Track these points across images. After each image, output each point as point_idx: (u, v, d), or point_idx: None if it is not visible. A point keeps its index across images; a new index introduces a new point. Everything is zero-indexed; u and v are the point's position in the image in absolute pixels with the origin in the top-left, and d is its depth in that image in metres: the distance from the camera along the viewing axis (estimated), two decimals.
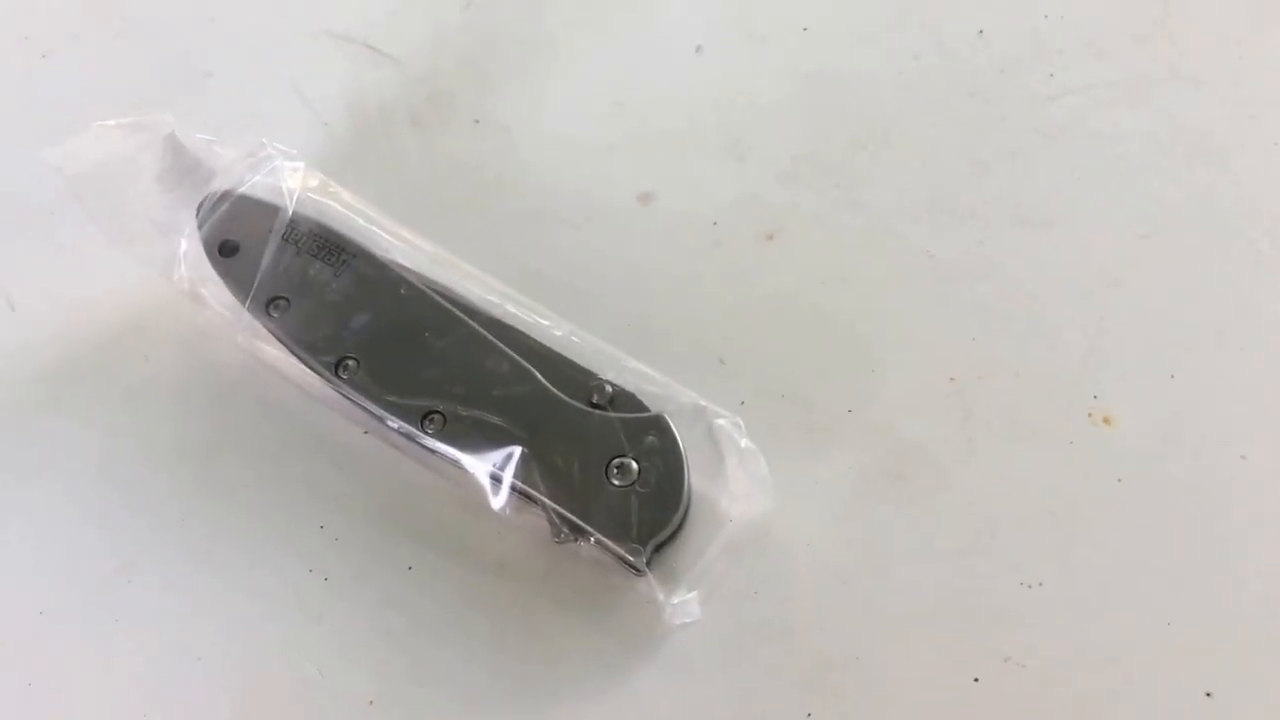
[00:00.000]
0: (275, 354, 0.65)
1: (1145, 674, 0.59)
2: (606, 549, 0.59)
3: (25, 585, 0.64)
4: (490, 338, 0.63)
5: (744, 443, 0.61)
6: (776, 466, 0.61)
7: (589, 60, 0.80)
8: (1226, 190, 0.71)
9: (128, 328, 0.70)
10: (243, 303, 0.65)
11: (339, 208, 0.68)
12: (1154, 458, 0.63)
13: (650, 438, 0.60)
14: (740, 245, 0.72)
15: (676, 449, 0.60)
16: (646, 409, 0.62)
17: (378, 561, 0.63)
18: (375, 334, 0.64)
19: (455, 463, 0.61)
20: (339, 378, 0.63)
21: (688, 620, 0.59)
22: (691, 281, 0.71)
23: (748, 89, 0.78)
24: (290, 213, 0.66)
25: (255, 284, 0.65)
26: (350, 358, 0.63)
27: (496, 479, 0.60)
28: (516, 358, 0.63)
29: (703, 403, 0.62)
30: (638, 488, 0.59)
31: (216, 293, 0.66)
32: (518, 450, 0.60)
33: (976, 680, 0.59)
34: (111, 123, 0.65)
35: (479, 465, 0.61)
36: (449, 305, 0.64)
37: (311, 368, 0.64)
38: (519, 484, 0.60)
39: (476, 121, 0.77)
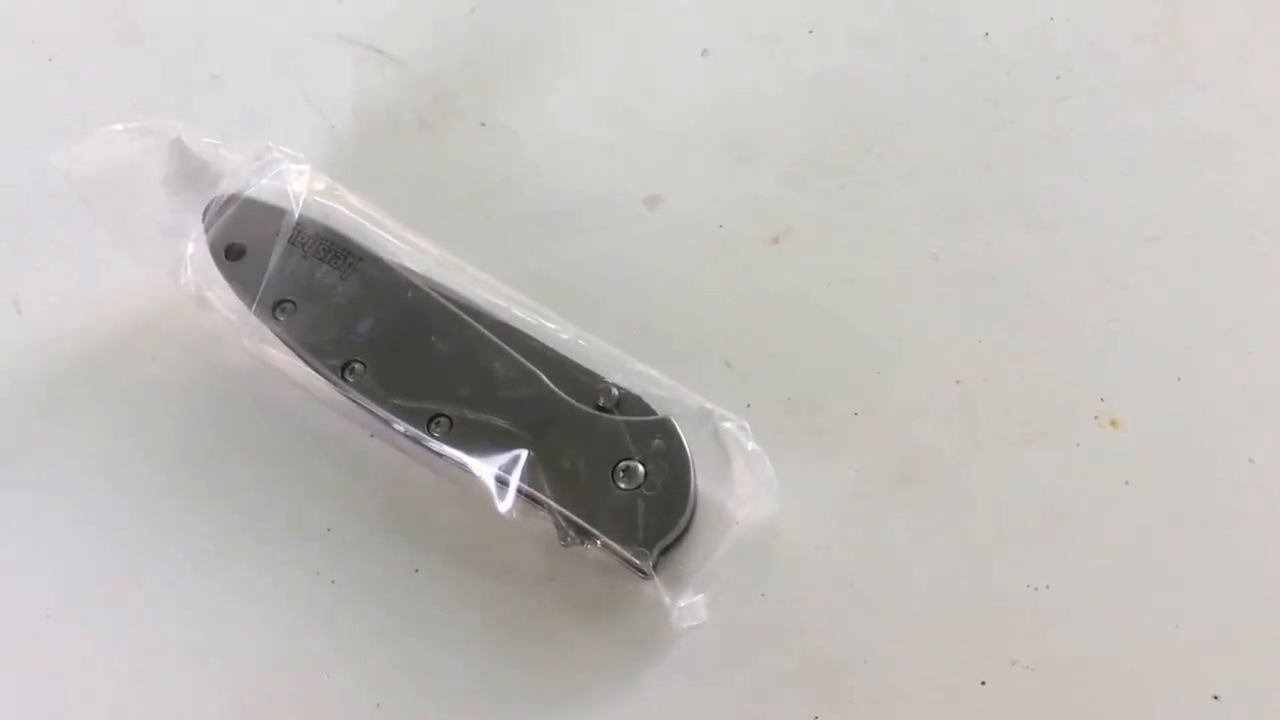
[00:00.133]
0: (281, 357, 0.65)
1: (1152, 677, 0.59)
2: (613, 552, 0.59)
3: (31, 588, 0.64)
4: (496, 341, 0.63)
5: (750, 445, 0.61)
6: (783, 469, 0.61)
7: (595, 63, 0.80)
8: (1234, 192, 0.71)
9: (134, 331, 0.70)
10: (249, 306, 0.65)
11: (345, 211, 0.68)
12: (1161, 460, 0.63)
13: (657, 441, 0.60)
14: (746, 247, 0.71)
15: (683, 452, 0.60)
16: (653, 412, 0.62)
17: (384, 565, 0.63)
18: (381, 337, 0.64)
19: (461, 466, 0.61)
20: (345, 381, 0.63)
21: (695, 623, 0.59)
22: (698, 284, 0.71)
23: (754, 91, 0.78)
24: (296, 216, 0.66)
25: (261, 287, 0.65)
26: (357, 361, 0.63)
27: (503, 482, 0.60)
28: (523, 361, 0.63)
29: (709, 406, 0.62)
30: (644, 491, 0.59)
31: (223, 296, 0.66)
32: (524, 453, 0.60)
33: (984, 683, 0.59)
34: (119, 127, 0.65)
35: (485, 468, 0.61)
36: (455, 308, 0.64)
37: (318, 371, 0.64)
38: (525, 487, 0.60)
39: (483, 124, 0.77)
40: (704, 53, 0.79)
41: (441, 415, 0.62)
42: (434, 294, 0.65)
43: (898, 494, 0.63)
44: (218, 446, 0.67)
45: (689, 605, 0.59)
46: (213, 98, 0.80)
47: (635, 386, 0.63)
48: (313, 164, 0.69)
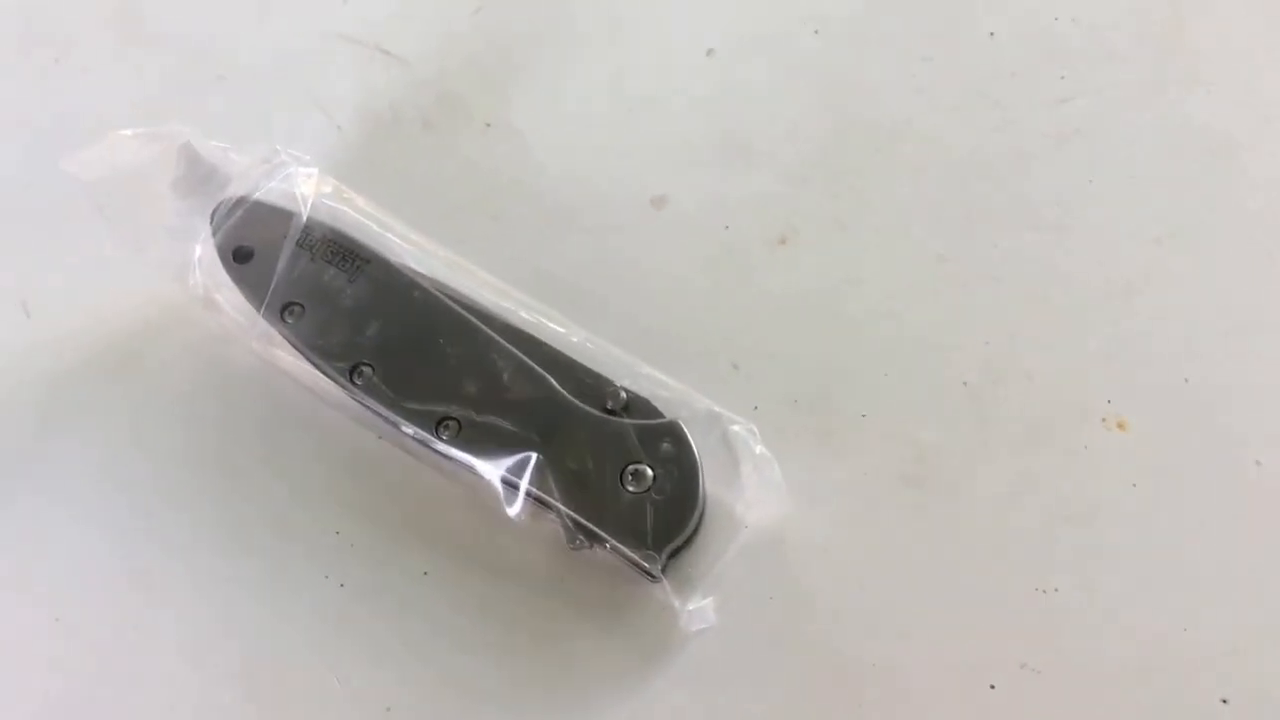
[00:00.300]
0: (290, 360, 0.65)
1: (1161, 680, 0.59)
2: (622, 555, 0.59)
3: (39, 592, 0.65)
4: (504, 343, 0.63)
5: (758, 449, 0.61)
6: (790, 472, 0.62)
7: (600, 63, 0.80)
8: (1240, 193, 0.71)
9: (142, 333, 0.70)
10: (257, 309, 0.65)
11: (353, 213, 0.68)
12: (1168, 463, 0.64)
13: (665, 444, 0.60)
14: (752, 248, 0.71)
15: (691, 455, 0.60)
16: (661, 415, 0.62)
17: (393, 568, 0.63)
18: (390, 340, 0.64)
19: (470, 469, 0.62)
20: (354, 384, 0.63)
21: (703, 626, 0.59)
22: (704, 285, 0.71)
23: (759, 92, 0.78)
24: (305, 219, 0.66)
25: (270, 290, 0.65)
26: (365, 364, 0.63)
27: (511, 485, 0.60)
28: (531, 364, 0.63)
29: (717, 409, 0.62)
30: (653, 494, 0.59)
31: (231, 299, 0.66)
32: (533, 456, 0.60)
33: (993, 687, 0.59)
34: (128, 133, 0.65)
35: (494, 471, 0.61)
36: (463, 311, 0.64)
37: (326, 374, 0.64)
38: (534, 490, 0.60)
39: (488, 125, 0.77)
40: (709, 53, 0.79)
41: (450, 418, 0.62)
42: (442, 296, 0.65)
43: (905, 496, 0.63)
44: (226, 449, 0.67)
45: (697, 608, 0.59)
46: (218, 98, 0.80)
47: (643, 389, 0.63)
48: (318, 165, 0.69)
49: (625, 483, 0.60)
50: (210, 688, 0.62)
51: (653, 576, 0.59)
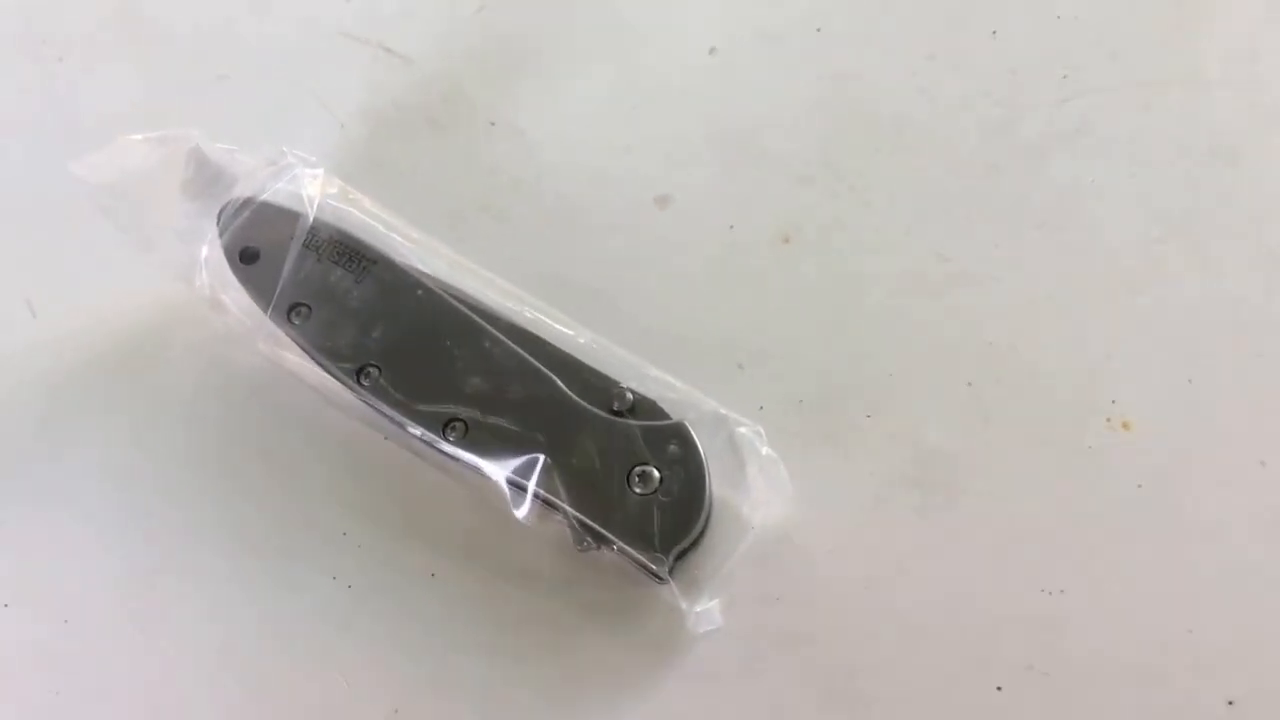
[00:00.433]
0: (297, 361, 0.65)
1: (1167, 682, 0.59)
2: (629, 557, 0.59)
3: (48, 593, 0.65)
4: (511, 345, 0.63)
5: (764, 450, 0.62)
6: (797, 473, 0.62)
7: (603, 61, 0.80)
8: (1244, 193, 0.71)
9: (148, 334, 0.70)
10: (264, 310, 0.65)
11: (358, 214, 0.68)
12: (1173, 463, 0.64)
13: (671, 446, 0.60)
14: (757, 248, 0.71)
15: (698, 457, 0.61)
16: (667, 416, 0.62)
17: (400, 569, 0.64)
18: (396, 341, 0.64)
19: (477, 470, 0.62)
20: (361, 385, 0.63)
21: (710, 628, 0.59)
22: (709, 285, 0.71)
23: (762, 90, 0.78)
24: (311, 219, 0.66)
25: (277, 291, 0.65)
26: (372, 365, 0.63)
27: (518, 486, 0.61)
28: (537, 365, 0.63)
29: (723, 411, 0.62)
30: (659, 496, 0.60)
31: (238, 299, 0.66)
32: (540, 458, 0.61)
33: (1000, 689, 0.59)
34: (137, 137, 0.65)
35: (501, 473, 0.61)
36: (469, 312, 0.64)
37: (333, 375, 0.64)
38: (541, 492, 0.60)
39: (492, 124, 0.77)
40: (712, 51, 0.79)
41: (457, 419, 0.62)
42: (447, 297, 0.65)
43: (910, 497, 0.63)
44: (233, 450, 0.67)
45: (704, 610, 0.59)
46: (221, 98, 0.80)
47: (649, 390, 0.63)
48: (324, 165, 0.69)
49: (632, 484, 0.60)
50: (217, 689, 0.62)
51: (660, 578, 0.59)
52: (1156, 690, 0.59)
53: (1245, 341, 0.66)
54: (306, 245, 0.66)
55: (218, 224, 0.67)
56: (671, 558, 0.59)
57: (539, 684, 0.61)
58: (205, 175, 0.67)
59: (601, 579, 0.62)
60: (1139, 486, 0.63)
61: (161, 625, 0.63)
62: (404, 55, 0.80)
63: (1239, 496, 0.62)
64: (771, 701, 0.60)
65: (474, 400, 0.62)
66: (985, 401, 0.66)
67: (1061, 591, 0.61)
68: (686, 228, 0.73)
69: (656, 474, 0.60)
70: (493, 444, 0.61)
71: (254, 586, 0.64)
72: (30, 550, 0.66)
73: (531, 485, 0.60)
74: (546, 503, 0.61)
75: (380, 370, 0.63)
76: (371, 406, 0.64)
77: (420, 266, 0.66)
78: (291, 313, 0.65)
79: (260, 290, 0.66)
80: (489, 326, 0.64)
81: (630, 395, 0.62)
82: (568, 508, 0.60)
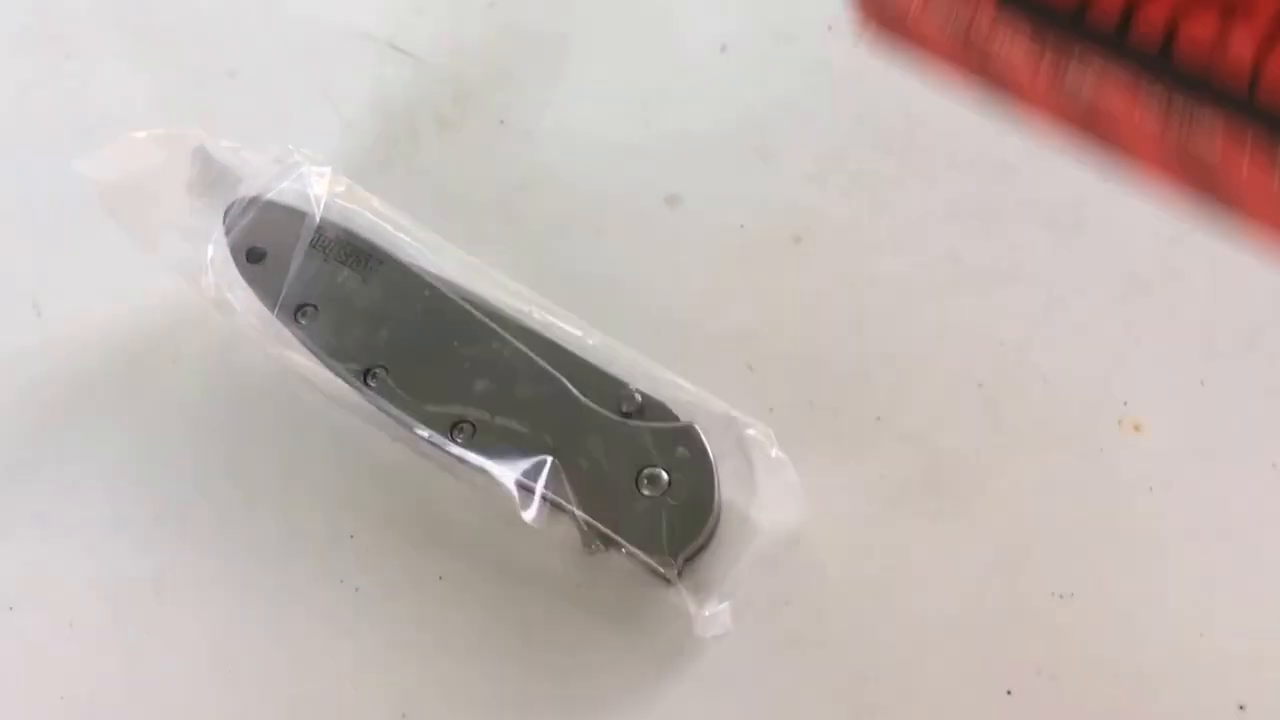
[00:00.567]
0: (303, 362, 0.65)
1: (1178, 686, 0.59)
2: (637, 560, 0.59)
3: (53, 596, 0.64)
4: (519, 345, 0.63)
5: (774, 452, 0.61)
6: (806, 475, 0.61)
7: (613, 60, 0.79)
8: None
9: (154, 334, 0.70)
10: (271, 310, 0.65)
11: (366, 213, 0.67)
12: (1184, 466, 0.63)
13: (680, 448, 0.60)
14: (768, 248, 0.71)
15: (706, 459, 0.60)
16: (676, 418, 0.62)
17: (408, 572, 0.63)
18: (404, 342, 0.64)
19: (485, 472, 0.61)
20: (368, 386, 0.63)
21: (719, 631, 0.59)
22: (719, 285, 0.70)
23: (774, 89, 0.77)
24: (318, 219, 0.66)
25: (283, 291, 0.65)
26: (379, 366, 0.63)
27: (526, 488, 0.60)
28: (546, 366, 0.62)
29: (733, 413, 0.62)
30: (668, 498, 0.59)
31: (244, 300, 0.66)
32: (548, 460, 0.60)
33: (1009, 693, 0.59)
34: (142, 134, 0.65)
35: (509, 475, 0.60)
36: (477, 313, 0.64)
37: (340, 376, 0.64)
38: (549, 494, 0.60)
39: (501, 122, 0.77)
40: (723, 49, 0.79)
41: (465, 421, 0.62)
42: (456, 298, 0.65)
43: (921, 500, 0.63)
44: (238, 452, 0.67)
45: (713, 613, 0.59)
46: (229, 96, 0.80)
47: (658, 392, 0.62)
48: (331, 164, 0.68)
49: (640, 486, 0.60)
50: (223, 692, 0.62)
51: (668, 581, 0.59)
52: (1167, 695, 0.58)
53: (1257, 344, 0.66)
54: (313, 245, 0.66)
55: (224, 223, 0.66)
56: (680, 560, 0.59)
57: (546, 687, 0.61)
58: (210, 173, 0.66)
59: (610, 582, 0.62)
60: (1150, 489, 0.63)
61: (166, 629, 0.63)
62: (414, 54, 0.80)
63: (1251, 499, 0.62)
64: (780, 705, 0.59)
65: (482, 401, 0.62)
66: (996, 403, 0.65)
67: (1072, 595, 0.60)
68: (697, 227, 0.72)
69: (665, 476, 0.60)
70: (500, 446, 0.61)
71: (260, 589, 0.63)
72: (33, 553, 0.65)
73: (539, 487, 0.60)
74: (555, 505, 0.60)
75: (387, 371, 0.63)
76: (378, 408, 0.63)
77: (428, 267, 0.66)
78: (298, 313, 0.65)
79: (266, 290, 0.65)
80: (497, 327, 0.64)
81: (639, 397, 0.62)
82: (576, 510, 0.60)
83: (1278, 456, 0.63)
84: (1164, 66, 0.41)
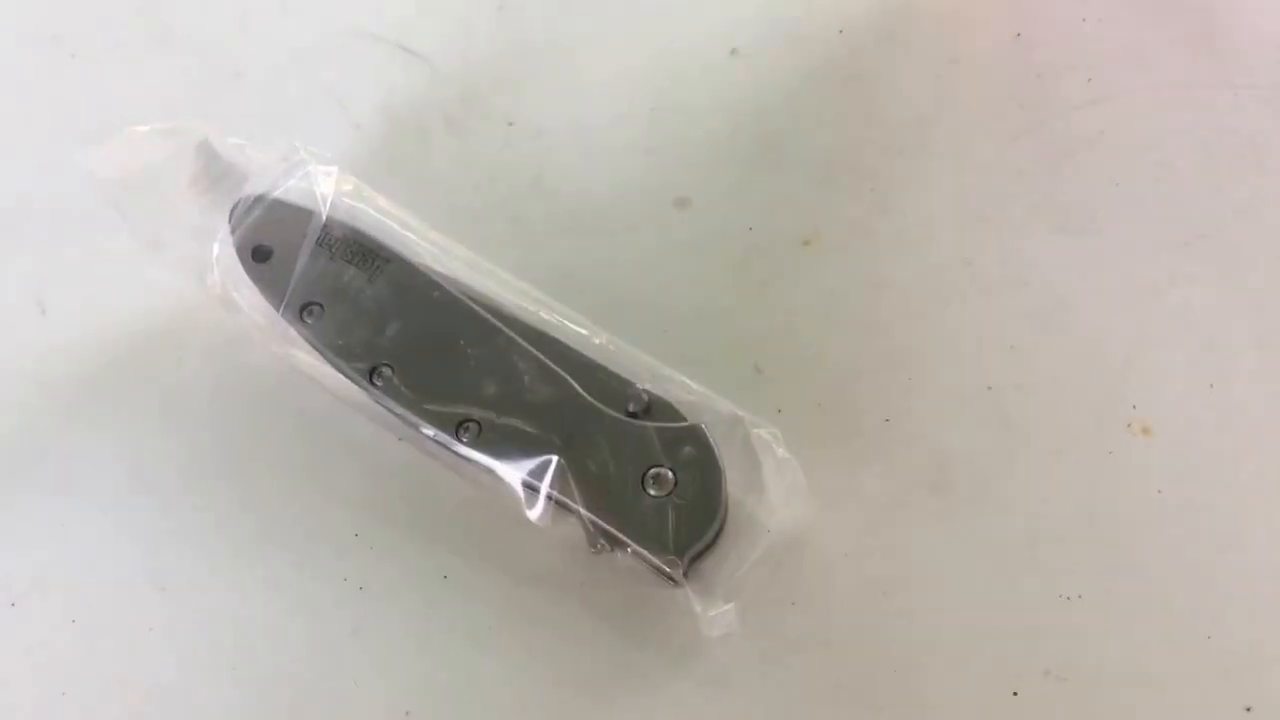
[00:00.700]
0: (309, 360, 0.65)
1: (1185, 688, 0.58)
2: (643, 560, 0.59)
3: (57, 593, 0.64)
4: (525, 345, 0.63)
5: (781, 453, 0.61)
6: (814, 476, 0.61)
7: (623, 62, 0.79)
8: (1269, 197, 0.70)
9: (160, 333, 0.70)
10: (276, 308, 0.65)
11: (373, 212, 0.67)
12: (1193, 468, 0.63)
13: (687, 448, 0.60)
14: (776, 250, 0.71)
15: (713, 459, 0.60)
16: (683, 418, 0.61)
17: (413, 571, 0.63)
18: (410, 341, 0.64)
19: (490, 471, 0.61)
20: (373, 385, 0.63)
21: (725, 632, 0.58)
22: (727, 287, 0.70)
23: (784, 92, 0.77)
24: (324, 217, 0.66)
25: (289, 290, 0.65)
26: (385, 365, 0.63)
27: (532, 488, 0.60)
28: (552, 365, 0.62)
29: (740, 413, 0.61)
30: (674, 498, 0.59)
31: (250, 298, 0.66)
32: (554, 459, 0.60)
33: (1016, 694, 0.58)
34: (144, 128, 0.65)
35: (515, 474, 0.60)
36: (484, 312, 0.64)
37: (346, 375, 0.64)
38: (555, 493, 0.60)
39: (510, 124, 0.77)
40: (733, 52, 0.79)
41: (470, 420, 0.62)
42: (462, 297, 0.64)
43: (928, 501, 0.63)
44: (244, 449, 0.67)
45: (719, 614, 0.58)
46: (237, 95, 0.80)
47: (665, 392, 0.62)
48: (338, 163, 0.68)
49: (647, 486, 0.59)
50: (227, 690, 0.61)
51: (674, 581, 0.59)
52: (1174, 696, 0.58)
53: (1267, 346, 0.66)
54: (319, 243, 0.65)
55: (229, 221, 0.66)
56: (686, 561, 0.58)
57: (551, 687, 0.60)
58: (215, 170, 0.66)
59: (615, 582, 0.62)
60: (1159, 492, 0.62)
61: (170, 626, 0.63)
62: (422, 55, 0.80)
63: (1259, 502, 0.62)
64: (786, 706, 0.59)
65: (488, 401, 0.62)
66: (1005, 406, 0.65)
67: (1079, 597, 0.60)
68: (706, 230, 0.72)
69: (672, 476, 0.59)
70: (506, 445, 0.61)
71: (264, 588, 0.63)
72: (37, 550, 0.65)
73: (545, 487, 0.60)
74: (560, 504, 0.60)
75: (393, 370, 0.63)
76: (384, 407, 0.63)
77: (435, 266, 0.66)
78: (304, 312, 0.64)
79: (272, 289, 0.65)
80: (504, 327, 0.64)
81: (646, 396, 0.62)
82: (582, 510, 0.59)
83: None
84: None
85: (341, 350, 0.64)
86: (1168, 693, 0.58)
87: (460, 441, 0.61)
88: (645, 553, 0.58)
